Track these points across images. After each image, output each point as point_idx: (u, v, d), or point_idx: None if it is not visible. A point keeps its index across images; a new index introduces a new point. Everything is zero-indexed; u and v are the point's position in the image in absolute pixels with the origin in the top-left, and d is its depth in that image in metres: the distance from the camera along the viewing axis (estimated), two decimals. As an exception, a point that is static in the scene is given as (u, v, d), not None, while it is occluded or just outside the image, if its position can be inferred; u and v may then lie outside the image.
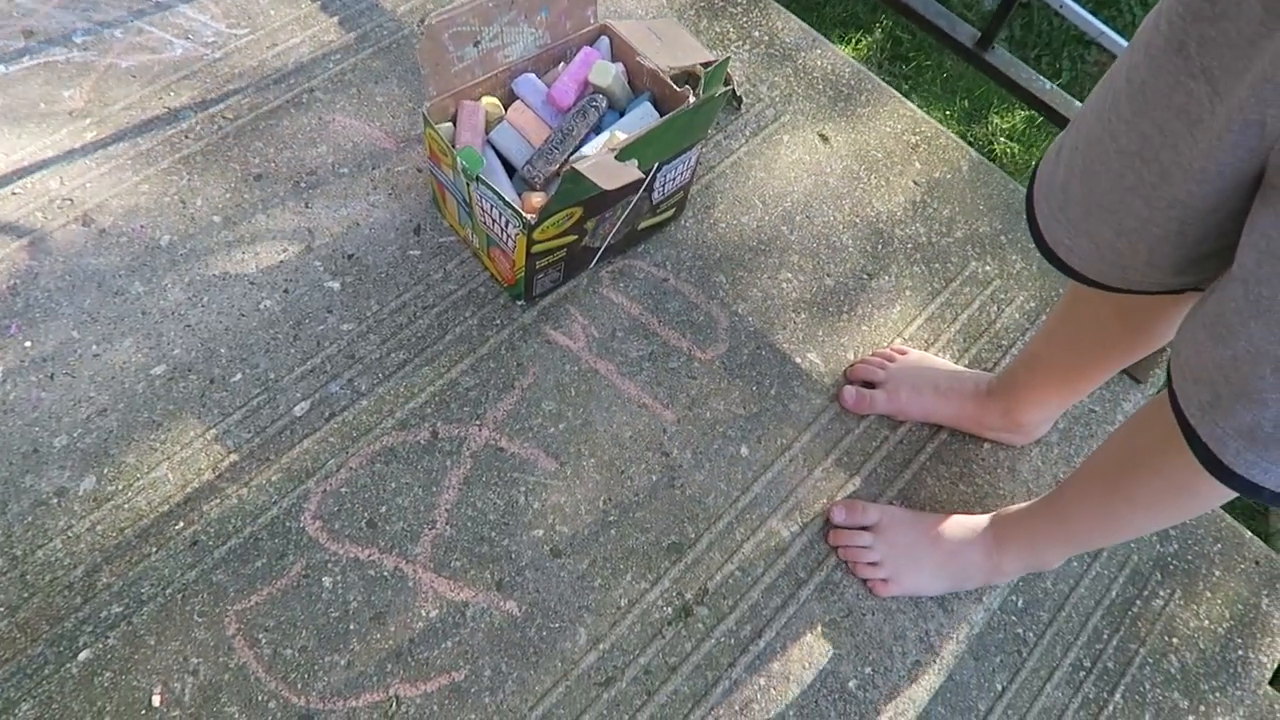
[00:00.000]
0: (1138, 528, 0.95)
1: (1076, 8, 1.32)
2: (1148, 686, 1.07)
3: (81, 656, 0.88)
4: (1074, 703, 1.04)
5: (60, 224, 1.12)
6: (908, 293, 1.23)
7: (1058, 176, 0.75)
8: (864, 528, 1.02)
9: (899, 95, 1.43)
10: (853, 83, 1.42)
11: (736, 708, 0.93)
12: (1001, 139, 2.10)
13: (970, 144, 1.84)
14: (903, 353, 1.14)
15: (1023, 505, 1.00)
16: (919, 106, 1.43)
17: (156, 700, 0.86)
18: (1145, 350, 0.93)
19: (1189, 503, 0.78)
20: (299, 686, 0.88)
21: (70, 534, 0.93)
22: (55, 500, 0.95)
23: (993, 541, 0.99)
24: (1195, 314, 0.66)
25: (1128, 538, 1.14)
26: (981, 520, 1.02)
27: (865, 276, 1.23)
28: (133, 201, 1.15)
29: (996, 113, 2.14)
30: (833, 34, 2.12)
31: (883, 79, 1.47)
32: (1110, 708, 1.04)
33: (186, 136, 1.21)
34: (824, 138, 1.36)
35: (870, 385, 1.12)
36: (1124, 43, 2.08)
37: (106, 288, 1.08)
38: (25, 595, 0.90)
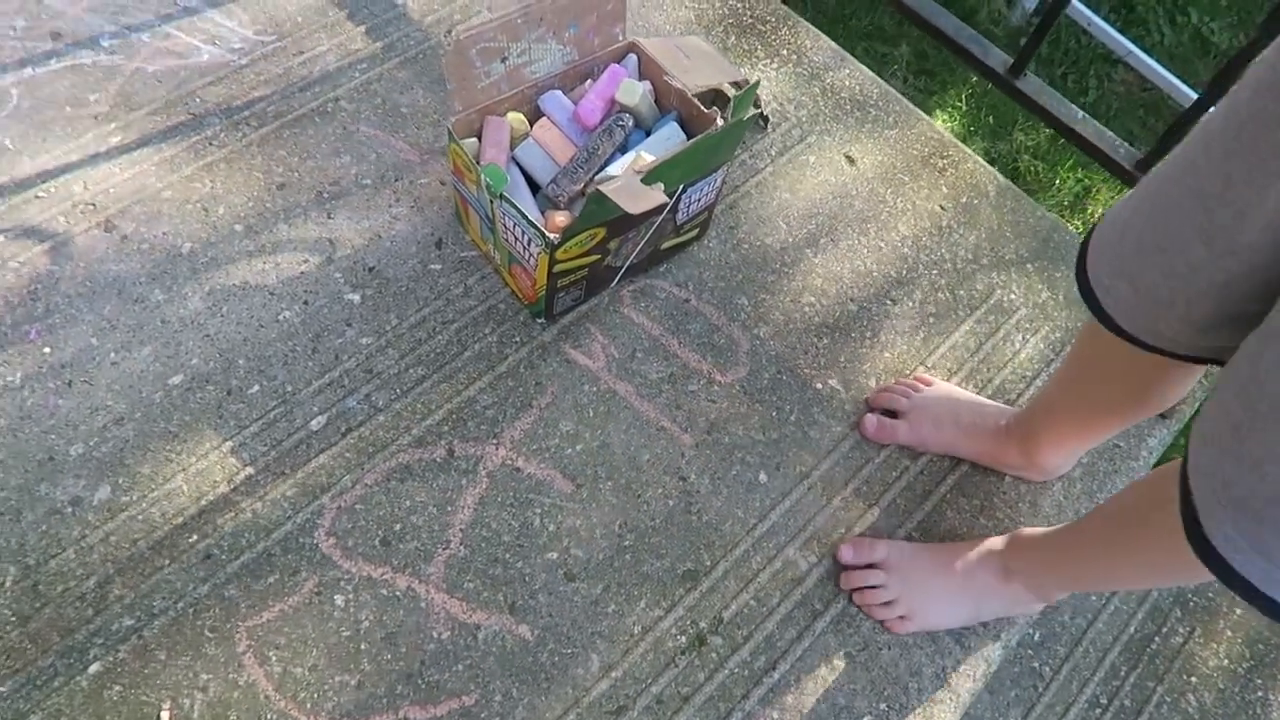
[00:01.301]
0: (1130, 581, 0.99)
1: (1105, 26, 1.30)
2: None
3: (92, 669, 0.87)
4: (1090, 742, 1.03)
5: (83, 229, 1.12)
6: (931, 319, 1.21)
7: (1122, 214, 0.74)
8: (873, 565, 1.00)
9: (926, 117, 1.41)
10: (880, 103, 1.41)
11: (748, 741, 0.92)
12: (1026, 156, 2.08)
13: (994, 161, 1.82)
14: (927, 383, 1.12)
15: (1039, 531, 0.99)
16: (944, 122, 1.41)
17: (165, 716, 0.86)
18: (1150, 412, 0.92)
19: (1177, 569, 0.75)
20: (308, 706, 0.88)
21: (84, 544, 0.93)
22: (70, 509, 0.94)
23: (1005, 562, 0.98)
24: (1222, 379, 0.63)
25: (1124, 588, 1.13)
26: (994, 542, 1.00)
27: (889, 302, 1.21)
28: (155, 208, 1.14)
29: (1021, 130, 2.12)
30: (858, 47, 2.10)
31: (907, 94, 1.46)
32: (1128, 749, 1.02)
33: (211, 143, 1.21)
34: (850, 159, 1.34)
35: (892, 414, 1.10)
36: (1151, 62, 2.06)
37: (126, 295, 1.08)
38: (37, 605, 0.89)
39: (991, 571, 0.98)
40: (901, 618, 0.98)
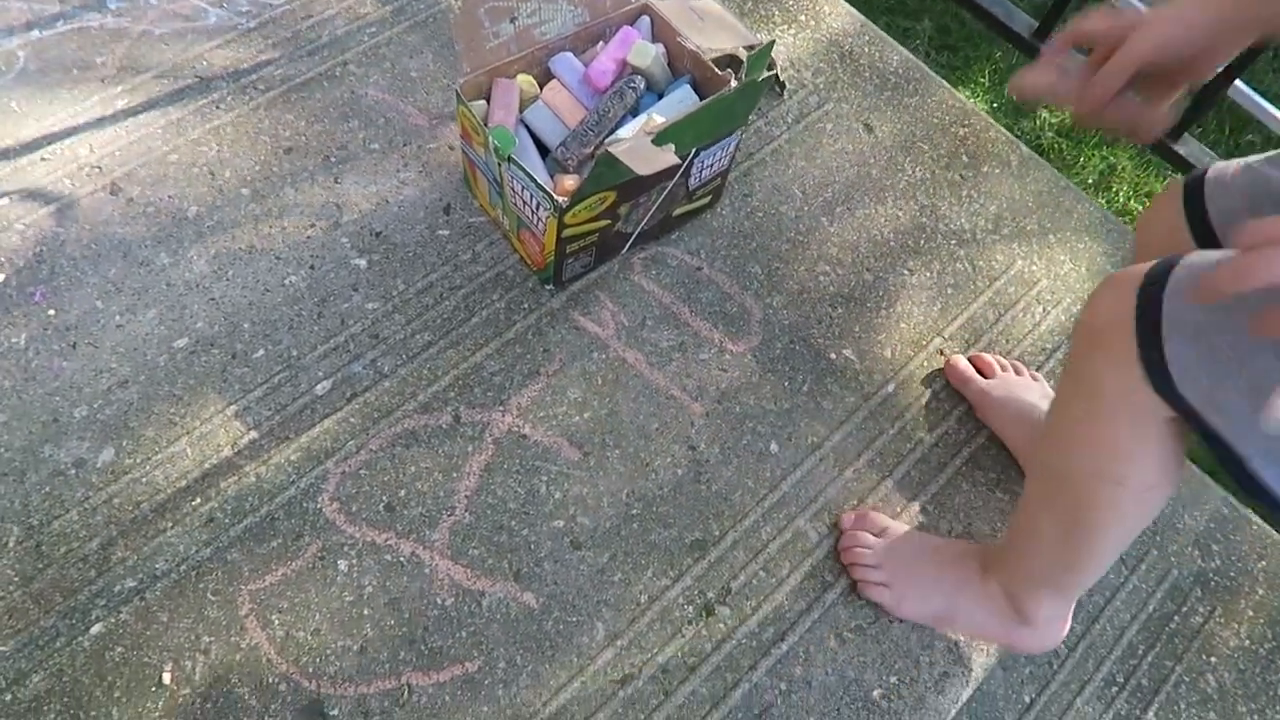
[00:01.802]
0: (1081, 534, 0.84)
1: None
2: (1183, 706, 1.03)
3: (94, 630, 0.87)
4: (1105, 717, 1.01)
5: (88, 191, 1.11)
6: (950, 290, 1.19)
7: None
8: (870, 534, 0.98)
9: (947, 85, 1.38)
10: (900, 71, 1.38)
11: (755, 712, 0.90)
12: (1049, 133, 2.04)
13: (1018, 138, 1.79)
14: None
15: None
16: (967, 98, 1.38)
17: (167, 678, 0.85)
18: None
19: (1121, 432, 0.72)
20: (310, 670, 0.87)
21: (87, 506, 0.92)
22: (73, 471, 0.94)
23: (984, 557, 0.95)
24: None
25: (1089, 549, 0.91)
26: (982, 544, 0.98)
27: (906, 272, 1.19)
28: (161, 171, 1.13)
29: (1046, 106, 2.08)
30: (879, 21, 2.06)
31: (930, 69, 1.42)
32: (1144, 728, 1.00)
33: (217, 107, 1.19)
34: (868, 127, 1.31)
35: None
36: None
37: (132, 258, 1.07)
38: (40, 566, 0.89)
39: (970, 565, 0.95)
40: (883, 585, 0.95)
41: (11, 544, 0.90)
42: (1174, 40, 0.64)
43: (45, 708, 0.83)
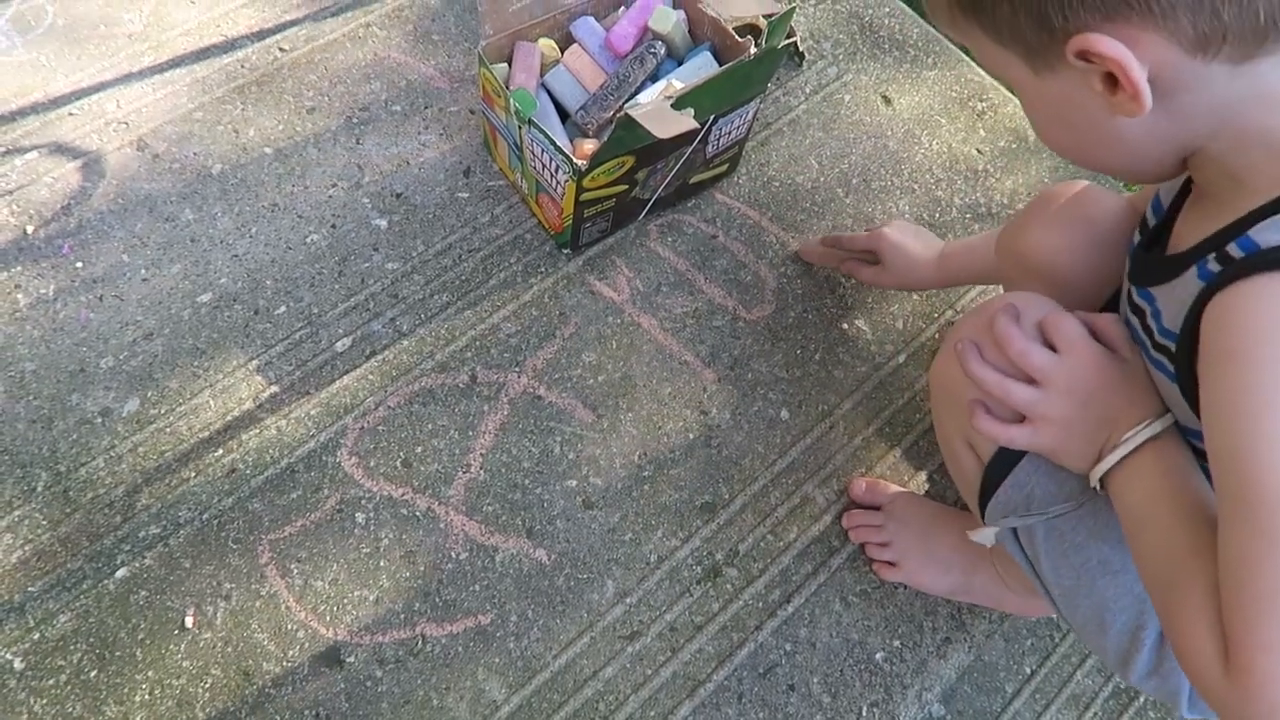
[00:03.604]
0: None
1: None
2: (1182, 680, 1.05)
3: (119, 574, 0.89)
4: (1104, 691, 1.02)
5: (115, 147, 1.12)
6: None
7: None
8: (879, 507, 1.00)
9: (967, 59, 1.38)
10: (920, 44, 1.38)
11: (760, 671, 0.92)
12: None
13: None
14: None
15: None
16: (986, 72, 1.38)
17: (189, 621, 0.88)
18: None
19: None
20: (328, 619, 0.89)
21: (113, 454, 0.95)
22: (100, 420, 0.96)
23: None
24: None
25: None
26: None
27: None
28: (186, 128, 1.15)
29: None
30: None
31: (949, 43, 1.42)
32: (1142, 699, 1.01)
33: (243, 66, 1.21)
34: (887, 99, 1.32)
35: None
36: None
37: (157, 213, 1.09)
38: (67, 511, 0.91)
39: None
40: (890, 564, 0.97)
41: (40, 489, 0.92)
42: (901, 287, 1.12)
43: (72, 647, 0.86)
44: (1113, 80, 0.54)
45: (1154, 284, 0.65)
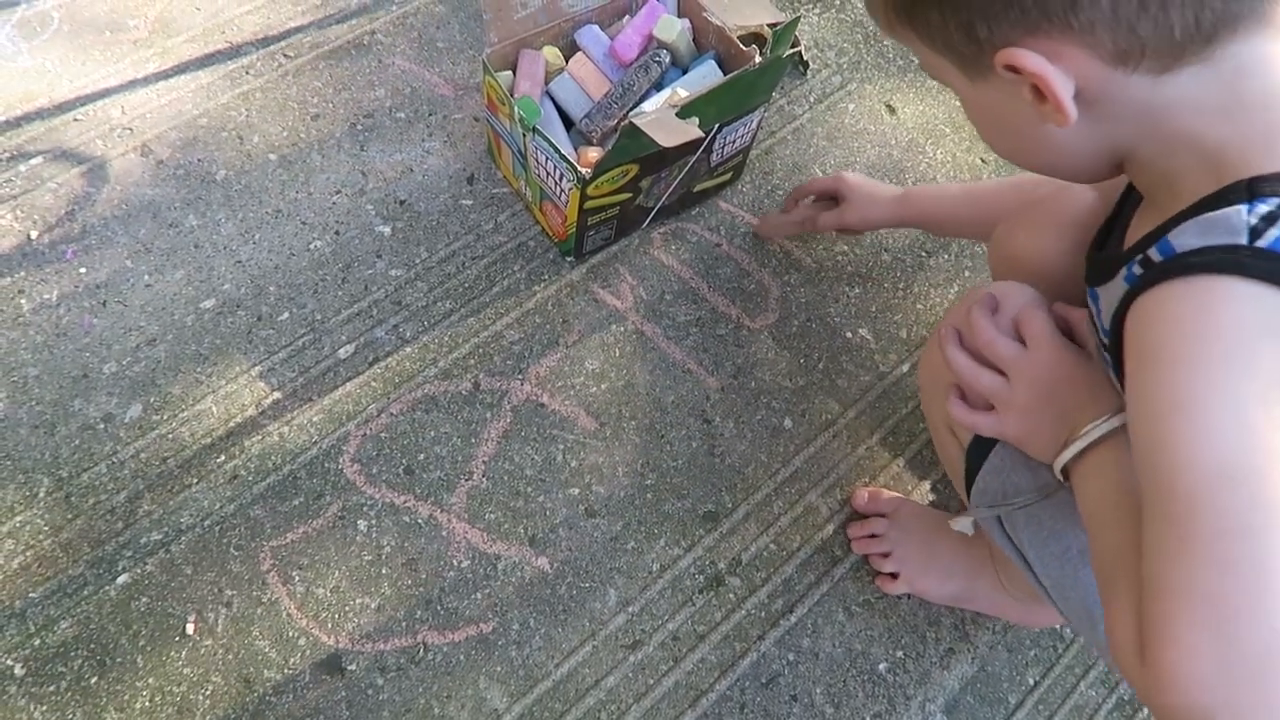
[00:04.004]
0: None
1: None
2: None
3: (120, 580, 0.89)
4: (1108, 703, 1.02)
5: (119, 153, 1.12)
6: (967, 273, 1.19)
7: None
8: (881, 515, 0.99)
9: (972, 68, 1.38)
10: (924, 53, 1.38)
11: (763, 681, 0.92)
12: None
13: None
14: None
15: None
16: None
17: (190, 628, 0.87)
18: None
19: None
20: (329, 626, 0.89)
21: (115, 459, 0.94)
22: (102, 425, 0.96)
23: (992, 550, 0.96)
24: None
25: None
26: None
27: (924, 254, 1.19)
28: (191, 134, 1.15)
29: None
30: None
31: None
32: (1145, 712, 1.01)
33: (247, 72, 1.21)
34: (891, 108, 1.32)
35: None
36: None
37: (161, 219, 1.09)
38: (69, 516, 0.91)
39: (984, 546, 0.96)
40: (892, 575, 0.97)
41: (42, 494, 0.92)
42: (863, 224, 1.09)
43: (72, 653, 0.85)
44: (1040, 91, 0.55)
45: (1097, 283, 0.66)
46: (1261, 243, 0.51)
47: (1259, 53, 0.54)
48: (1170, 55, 0.53)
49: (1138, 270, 0.58)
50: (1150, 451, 0.53)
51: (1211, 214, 0.53)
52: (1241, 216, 0.52)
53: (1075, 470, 0.67)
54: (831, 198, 1.10)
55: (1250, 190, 0.52)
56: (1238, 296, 0.51)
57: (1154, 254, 0.56)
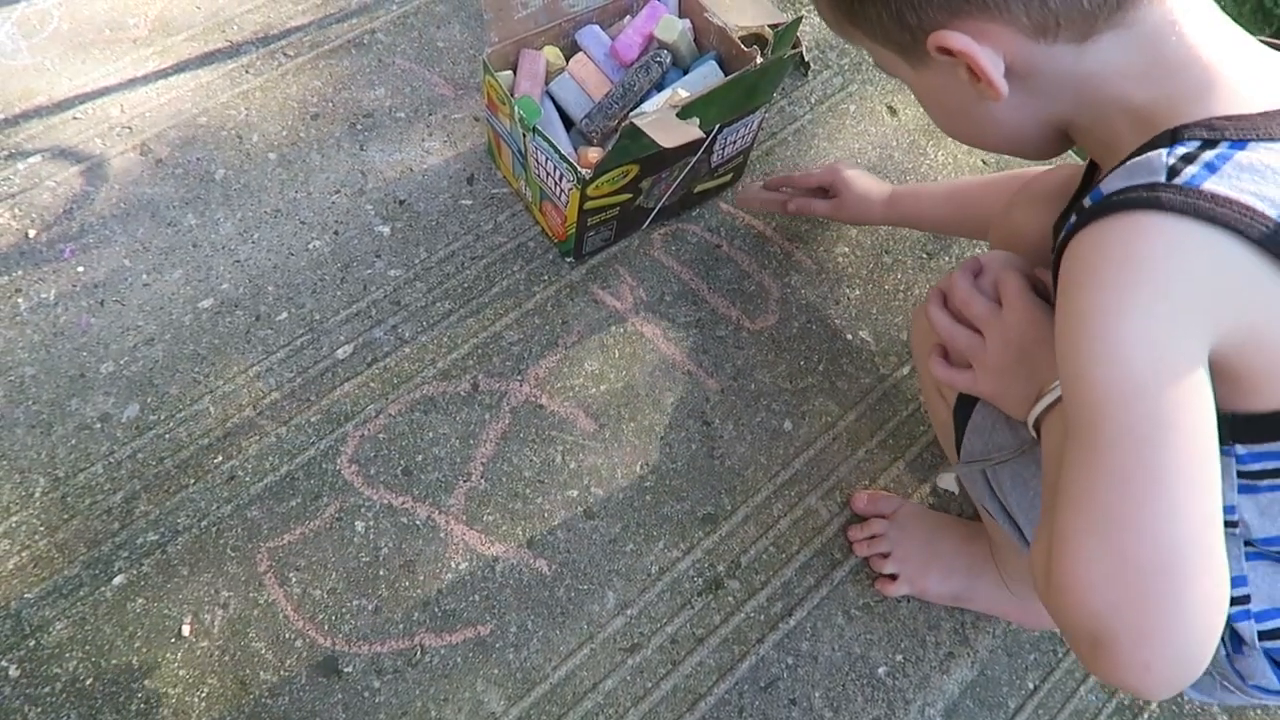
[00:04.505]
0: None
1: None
2: (1184, 696, 1.04)
3: (116, 581, 0.89)
4: (1108, 707, 1.01)
5: (118, 151, 1.12)
6: (968, 275, 1.19)
7: None
8: (881, 516, 0.99)
9: (974, 70, 1.37)
10: (926, 54, 1.37)
11: (761, 684, 0.92)
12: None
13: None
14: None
15: None
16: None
17: (186, 630, 0.87)
18: None
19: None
20: (326, 628, 0.89)
21: (112, 460, 0.94)
22: (99, 425, 0.96)
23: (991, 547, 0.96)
24: None
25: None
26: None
27: (925, 256, 1.19)
28: (190, 133, 1.15)
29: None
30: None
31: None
32: (1146, 715, 1.01)
33: (247, 71, 1.20)
34: (892, 110, 1.31)
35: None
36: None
37: (160, 218, 1.08)
38: (65, 516, 0.91)
39: (984, 544, 0.96)
40: (892, 577, 0.96)
41: (38, 494, 0.92)
42: (854, 223, 1.16)
43: (67, 654, 0.85)
44: (974, 70, 0.59)
45: (1057, 246, 0.68)
46: (1179, 180, 0.53)
47: (1170, 16, 0.57)
48: (1085, 24, 0.56)
49: (1073, 219, 0.60)
50: (1067, 374, 0.56)
51: (1135, 159, 0.57)
52: (1161, 158, 0.55)
53: (1043, 425, 0.69)
54: (824, 188, 1.12)
55: (1172, 136, 0.56)
56: (1154, 227, 0.53)
57: (1086, 203, 0.59)
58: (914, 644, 0.96)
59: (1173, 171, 0.54)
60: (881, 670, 0.94)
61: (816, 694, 0.92)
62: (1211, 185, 0.53)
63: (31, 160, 1.10)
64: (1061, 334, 0.57)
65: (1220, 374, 0.55)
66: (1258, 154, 0.54)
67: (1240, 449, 0.59)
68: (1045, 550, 0.56)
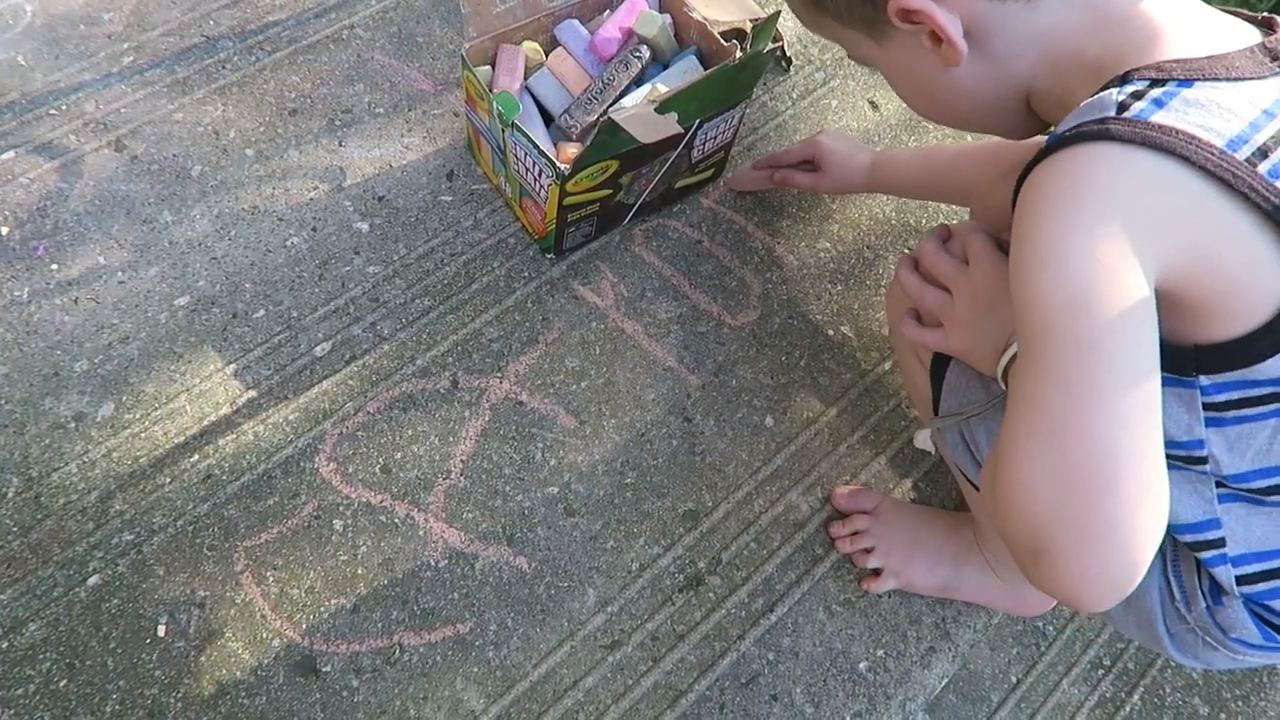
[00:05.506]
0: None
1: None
2: (1168, 690, 1.04)
3: (91, 581, 0.88)
4: (1090, 700, 1.02)
5: (93, 148, 1.11)
6: (949, 270, 1.19)
7: None
8: (863, 512, 0.99)
9: (955, 65, 1.37)
10: (908, 50, 1.37)
11: (743, 680, 0.91)
12: (1058, 119, 2.04)
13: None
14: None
15: None
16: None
17: (162, 630, 0.86)
18: None
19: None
20: (304, 627, 0.88)
21: (86, 459, 0.93)
22: (73, 425, 0.95)
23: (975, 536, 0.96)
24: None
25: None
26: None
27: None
28: (166, 129, 1.13)
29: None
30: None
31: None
32: (1128, 708, 1.01)
33: (224, 67, 1.19)
34: (874, 105, 1.31)
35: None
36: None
37: (135, 215, 1.07)
38: (39, 517, 0.90)
39: (967, 533, 0.96)
40: (876, 573, 0.96)
41: (11, 494, 0.91)
42: (837, 192, 1.19)
43: (41, 656, 0.84)
44: (936, 36, 0.63)
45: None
46: (1128, 114, 0.56)
47: None
48: None
49: (1031, 163, 0.62)
50: (1018, 295, 0.57)
51: (1088, 100, 0.60)
52: (1111, 96, 0.58)
53: (1010, 375, 0.70)
54: (808, 161, 1.13)
55: (1123, 79, 0.59)
56: (1102, 155, 0.55)
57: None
58: (895, 639, 0.96)
59: (1122, 107, 0.57)
60: (863, 665, 0.94)
61: (798, 690, 0.92)
62: (1160, 118, 0.55)
63: (4, 157, 1.09)
64: (1014, 259, 0.59)
65: (1177, 304, 0.57)
66: (1203, 91, 0.57)
67: (1204, 380, 0.60)
68: (994, 465, 0.58)
